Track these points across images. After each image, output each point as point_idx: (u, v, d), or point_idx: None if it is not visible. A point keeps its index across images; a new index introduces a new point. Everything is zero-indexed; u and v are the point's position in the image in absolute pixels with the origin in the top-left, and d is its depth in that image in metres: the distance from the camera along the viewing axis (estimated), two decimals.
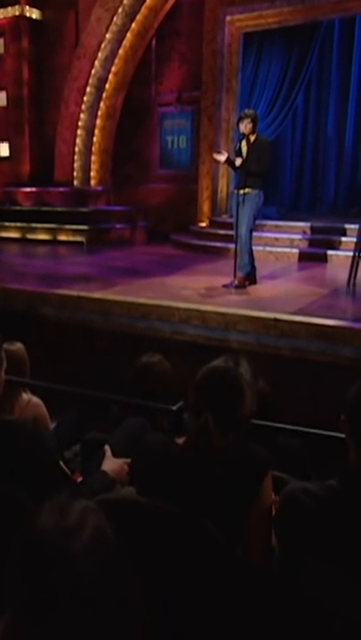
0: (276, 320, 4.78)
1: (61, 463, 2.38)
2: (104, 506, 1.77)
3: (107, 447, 2.38)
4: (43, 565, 1.00)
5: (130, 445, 2.43)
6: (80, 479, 2.36)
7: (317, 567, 1.46)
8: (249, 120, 6.15)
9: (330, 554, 1.57)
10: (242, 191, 6.21)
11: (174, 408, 2.70)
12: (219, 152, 6.74)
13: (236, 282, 6.24)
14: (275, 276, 7.13)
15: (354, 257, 6.49)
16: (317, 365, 4.58)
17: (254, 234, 6.56)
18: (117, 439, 2.46)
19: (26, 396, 3.17)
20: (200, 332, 5.10)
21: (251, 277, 6.44)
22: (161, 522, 1.64)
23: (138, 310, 5.44)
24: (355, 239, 7.40)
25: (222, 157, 6.48)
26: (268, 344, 4.78)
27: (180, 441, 1.78)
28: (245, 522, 1.68)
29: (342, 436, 2.50)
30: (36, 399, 3.20)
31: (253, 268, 6.48)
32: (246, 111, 6.33)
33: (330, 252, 8.35)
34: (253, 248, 6.51)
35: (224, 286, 6.28)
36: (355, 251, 6.52)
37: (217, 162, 6.73)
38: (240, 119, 6.26)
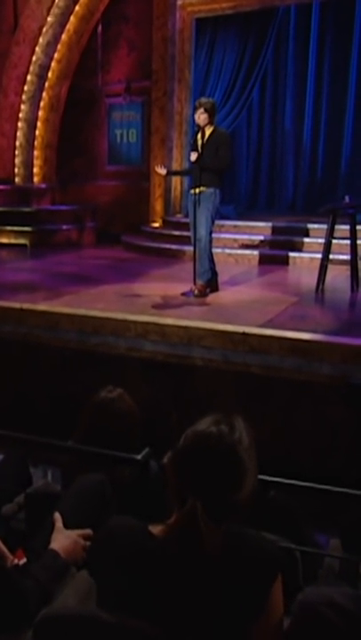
0: (244, 334, 4.44)
1: None
2: (55, 626, 1.37)
3: (57, 516, 1.96)
4: None
5: (85, 512, 2.03)
6: (23, 560, 1.93)
7: None
8: (202, 110, 5.76)
9: None
10: (196, 190, 5.84)
11: (139, 457, 2.30)
12: (160, 166, 6.50)
13: (196, 290, 5.87)
14: (236, 281, 6.81)
15: (322, 260, 6.21)
16: (292, 384, 4.26)
17: (213, 235, 6.20)
18: (69, 504, 2.04)
19: None
20: (159, 348, 4.72)
21: (212, 284, 6.09)
22: None
23: (89, 324, 5.02)
24: (319, 240, 7.20)
25: (163, 171, 6.34)
26: (237, 361, 4.43)
27: (157, 530, 1.37)
28: None
29: (344, 490, 2.17)
30: None
31: (215, 273, 6.13)
32: (200, 100, 5.94)
33: (292, 254, 8.11)
34: (212, 251, 6.16)
35: (183, 294, 5.91)
36: (323, 253, 6.25)
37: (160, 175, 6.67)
38: (195, 109, 5.90)
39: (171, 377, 4.62)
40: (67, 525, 1.93)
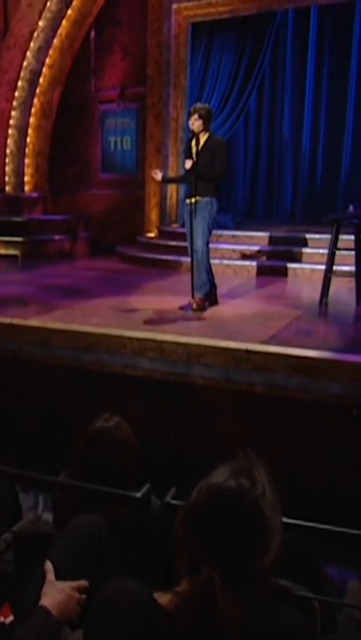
0: (247, 351, 4.26)
1: None
2: None
3: (48, 566, 1.78)
4: None
5: (80, 561, 1.84)
6: (9, 618, 1.73)
7: None
8: (197, 116, 5.58)
9: None
10: (193, 199, 5.68)
11: (139, 495, 2.12)
12: (155, 171, 6.27)
13: (194, 304, 5.71)
14: (236, 294, 6.65)
15: (326, 272, 6.06)
16: (297, 404, 4.09)
17: (210, 246, 6.04)
18: (62, 551, 1.85)
19: None
20: (157, 365, 4.55)
21: (211, 297, 5.93)
22: None
23: (83, 340, 4.85)
24: (320, 251, 7.07)
25: (158, 177, 6.09)
26: (239, 380, 4.26)
27: (165, 600, 1.19)
28: None
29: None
30: None
31: (213, 286, 5.97)
32: (195, 105, 5.76)
33: (292, 265, 7.95)
34: (210, 262, 6.00)
35: (181, 308, 5.75)
36: (327, 264, 6.10)
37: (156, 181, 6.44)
38: (189, 115, 5.76)
39: (169, 396, 4.45)
40: (59, 576, 1.75)
